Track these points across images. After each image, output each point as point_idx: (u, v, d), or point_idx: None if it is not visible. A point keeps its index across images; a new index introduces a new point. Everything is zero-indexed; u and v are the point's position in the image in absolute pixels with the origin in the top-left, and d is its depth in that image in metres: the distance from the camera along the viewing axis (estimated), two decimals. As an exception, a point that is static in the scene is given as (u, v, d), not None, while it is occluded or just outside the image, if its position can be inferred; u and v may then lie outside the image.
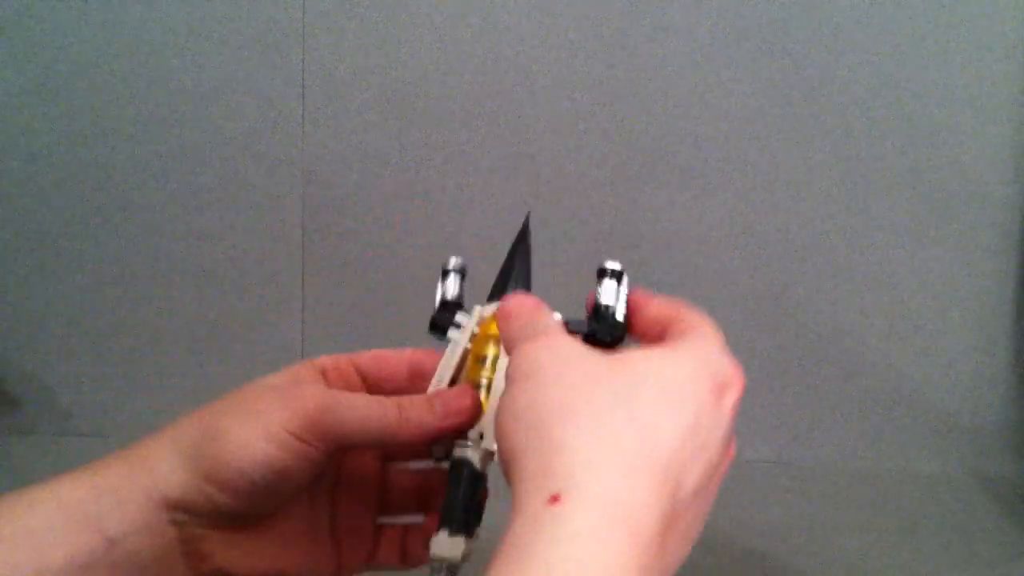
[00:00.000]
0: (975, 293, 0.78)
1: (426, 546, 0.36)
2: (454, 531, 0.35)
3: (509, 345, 0.34)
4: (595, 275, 0.38)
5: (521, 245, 0.41)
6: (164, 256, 0.79)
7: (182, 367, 0.78)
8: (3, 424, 0.78)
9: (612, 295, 0.37)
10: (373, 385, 0.41)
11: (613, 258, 0.38)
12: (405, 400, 0.37)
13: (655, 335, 0.35)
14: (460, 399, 0.37)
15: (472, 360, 0.39)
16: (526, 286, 0.40)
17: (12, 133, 0.77)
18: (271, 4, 0.76)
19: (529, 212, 0.41)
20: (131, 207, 0.78)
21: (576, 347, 0.32)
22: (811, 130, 0.76)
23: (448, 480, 0.36)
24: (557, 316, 0.36)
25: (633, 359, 0.32)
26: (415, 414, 0.36)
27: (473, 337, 0.39)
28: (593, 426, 0.29)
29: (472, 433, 0.37)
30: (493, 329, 0.38)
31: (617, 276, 0.37)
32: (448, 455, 0.37)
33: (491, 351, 0.38)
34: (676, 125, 0.77)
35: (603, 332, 0.36)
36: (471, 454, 0.36)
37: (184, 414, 0.36)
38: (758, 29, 0.75)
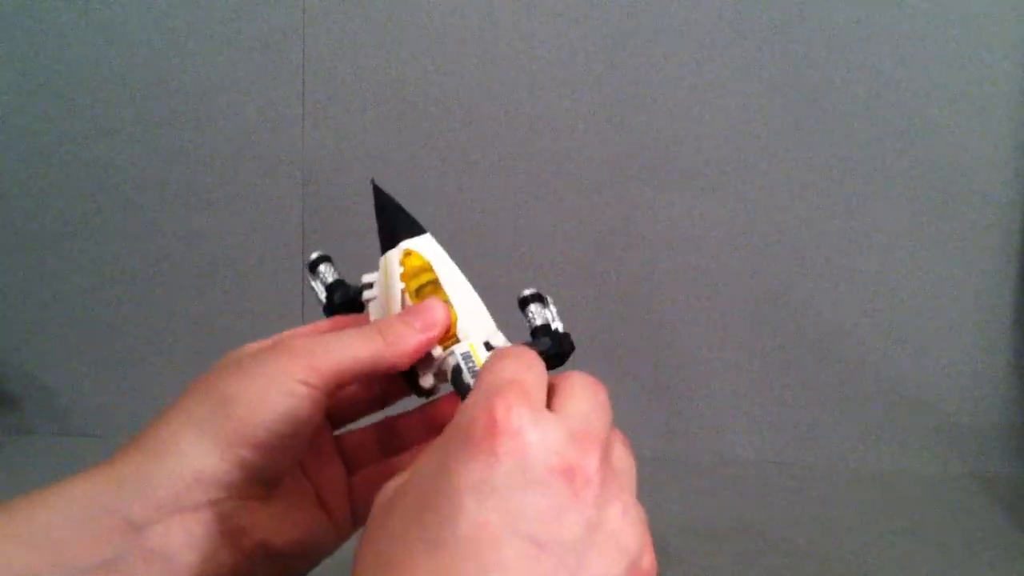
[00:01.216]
0: (975, 293, 0.78)
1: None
2: None
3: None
4: (520, 305, 0.40)
5: (384, 206, 0.43)
6: (164, 256, 0.79)
7: (182, 367, 0.78)
8: (3, 424, 0.78)
9: (543, 316, 0.39)
10: None
11: (529, 287, 0.40)
12: (382, 323, 0.38)
13: None
14: (431, 309, 0.38)
15: (415, 295, 0.40)
16: (414, 228, 0.42)
17: (12, 133, 0.77)
18: (271, 4, 0.76)
19: (372, 179, 0.45)
20: (131, 207, 0.78)
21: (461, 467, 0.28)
22: (811, 130, 0.76)
23: (457, 390, 0.38)
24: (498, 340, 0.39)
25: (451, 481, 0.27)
26: (396, 333, 0.37)
27: (403, 276, 0.40)
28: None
29: (461, 334, 0.38)
30: (416, 261, 0.40)
31: (539, 299, 0.40)
32: (438, 382, 0.39)
33: (431, 276, 0.40)
34: (676, 125, 0.77)
35: (554, 348, 0.38)
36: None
37: (178, 397, 0.36)
38: (758, 29, 0.75)
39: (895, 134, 0.76)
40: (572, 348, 0.39)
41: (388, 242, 0.42)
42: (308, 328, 0.42)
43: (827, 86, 0.76)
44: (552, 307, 0.40)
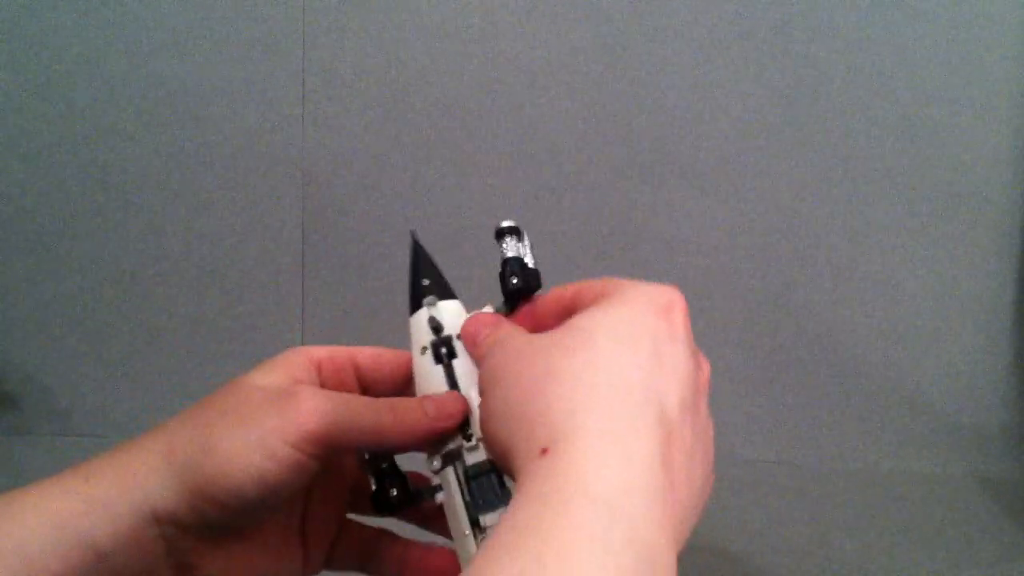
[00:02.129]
0: (975, 293, 0.78)
1: (393, 560, 0.39)
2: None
3: (478, 363, 0.36)
4: (496, 236, 0.41)
5: (420, 260, 0.42)
6: (164, 256, 0.79)
7: (182, 367, 0.78)
8: (3, 424, 0.78)
9: (516, 248, 0.40)
10: (368, 384, 0.40)
11: (510, 219, 0.41)
12: (397, 403, 0.37)
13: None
14: (452, 404, 0.37)
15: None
16: (443, 291, 0.41)
17: (12, 133, 0.77)
18: (271, 4, 0.76)
19: (413, 231, 0.43)
20: (131, 207, 0.78)
21: (526, 337, 0.34)
22: (811, 130, 0.76)
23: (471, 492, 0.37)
24: (488, 308, 0.39)
25: (578, 321, 0.33)
26: (408, 417, 0.36)
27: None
28: (561, 387, 0.30)
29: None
30: None
31: (514, 232, 0.40)
32: (444, 466, 0.37)
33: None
34: (676, 125, 0.77)
35: (520, 280, 0.39)
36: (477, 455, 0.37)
37: (176, 416, 0.36)
38: (758, 29, 0.75)
39: (895, 134, 0.76)
40: (539, 285, 0.39)
41: (416, 302, 0.41)
42: (313, 365, 0.39)
43: (827, 86, 0.76)
44: (527, 242, 0.40)
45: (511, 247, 0.40)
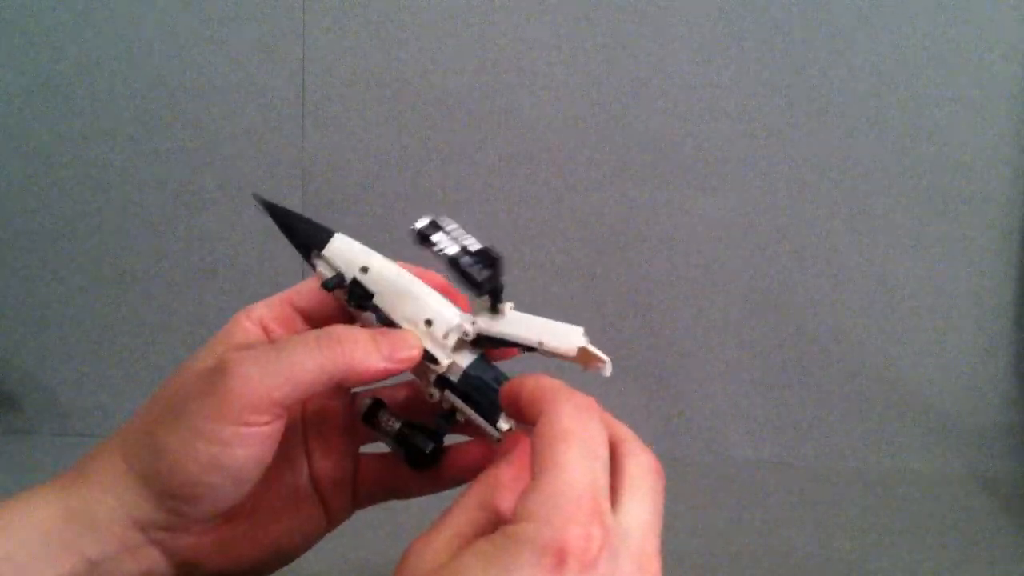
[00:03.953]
0: (975, 293, 0.78)
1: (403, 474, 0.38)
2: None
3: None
4: (420, 240, 0.36)
5: (282, 217, 0.41)
6: (164, 256, 0.79)
7: (182, 367, 0.78)
8: (3, 424, 0.78)
9: (451, 239, 0.36)
10: (317, 321, 0.39)
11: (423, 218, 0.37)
12: (342, 331, 0.34)
13: (531, 416, 0.32)
14: (404, 342, 0.35)
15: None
16: (321, 235, 0.40)
17: (12, 133, 0.77)
18: (271, 4, 0.76)
19: (254, 193, 0.41)
20: (131, 207, 0.78)
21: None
22: (811, 130, 0.76)
23: (468, 402, 0.36)
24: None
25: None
26: (359, 349, 0.34)
27: None
28: None
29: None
30: None
31: (434, 226, 0.36)
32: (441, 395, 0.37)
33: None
34: (676, 125, 0.77)
35: (487, 268, 0.35)
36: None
37: (131, 418, 0.35)
38: (758, 29, 0.75)
39: (895, 134, 0.76)
40: (499, 257, 0.35)
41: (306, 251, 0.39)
42: (256, 326, 0.38)
43: (827, 86, 0.76)
44: (453, 225, 0.35)
45: (445, 242, 0.35)
